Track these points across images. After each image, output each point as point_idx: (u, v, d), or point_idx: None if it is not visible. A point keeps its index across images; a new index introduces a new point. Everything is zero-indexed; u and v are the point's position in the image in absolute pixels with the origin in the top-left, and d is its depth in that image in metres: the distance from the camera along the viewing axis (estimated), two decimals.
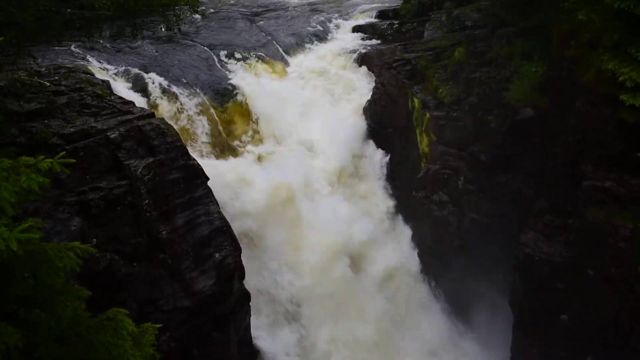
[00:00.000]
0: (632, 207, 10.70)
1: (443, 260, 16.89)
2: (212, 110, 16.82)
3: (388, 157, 18.80)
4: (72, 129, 10.73)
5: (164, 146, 11.31)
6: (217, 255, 11.28)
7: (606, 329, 11.40)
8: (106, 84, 13.83)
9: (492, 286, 15.38)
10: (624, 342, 11.14)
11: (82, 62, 14.96)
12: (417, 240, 17.90)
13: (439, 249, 17.02)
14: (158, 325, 5.40)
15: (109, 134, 10.87)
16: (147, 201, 10.55)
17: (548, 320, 12.64)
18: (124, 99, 12.78)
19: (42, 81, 12.04)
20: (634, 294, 10.74)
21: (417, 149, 17.90)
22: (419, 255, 17.80)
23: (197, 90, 16.89)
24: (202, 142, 15.71)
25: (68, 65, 13.73)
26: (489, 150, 14.82)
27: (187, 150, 11.91)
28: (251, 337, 12.99)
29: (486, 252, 15.12)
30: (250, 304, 12.73)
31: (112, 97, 12.51)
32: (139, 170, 10.65)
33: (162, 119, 12.23)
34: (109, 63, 15.83)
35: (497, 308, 15.35)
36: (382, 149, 18.97)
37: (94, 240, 9.67)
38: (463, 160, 15.87)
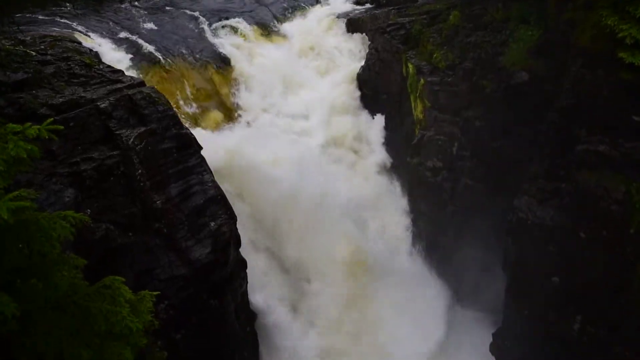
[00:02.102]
0: (625, 170, 10.76)
1: (437, 225, 17.05)
2: (200, 75, 16.56)
3: (382, 124, 18.72)
4: (61, 99, 10.51)
5: (156, 115, 11.14)
6: (212, 224, 11.29)
7: (596, 290, 11.64)
8: (94, 53, 13.52)
9: (485, 251, 15.60)
10: (613, 302, 11.40)
11: (68, 31, 14.57)
12: (411, 205, 18.02)
13: (432, 215, 17.15)
14: (155, 293, 5.44)
15: (98, 103, 10.67)
16: (140, 171, 10.47)
17: (539, 283, 12.88)
18: (113, 67, 12.51)
19: (27, 50, 11.72)
20: (624, 255, 10.93)
21: (411, 116, 17.80)
22: (413, 220, 17.97)
23: (187, 56, 16.58)
24: (188, 108, 15.53)
25: (54, 34, 13.36)
26: (484, 116, 14.76)
27: (179, 119, 11.76)
28: (248, 303, 13.18)
29: (480, 217, 15.26)
30: None
31: (101, 66, 12.23)
32: (131, 140, 10.51)
33: (153, 88, 12.00)
34: (94, 31, 15.42)
35: (490, 272, 15.62)
36: (376, 115, 18.86)
37: (88, 211, 9.61)
38: (457, 126, 15.82)
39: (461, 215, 16.01)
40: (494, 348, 14.96)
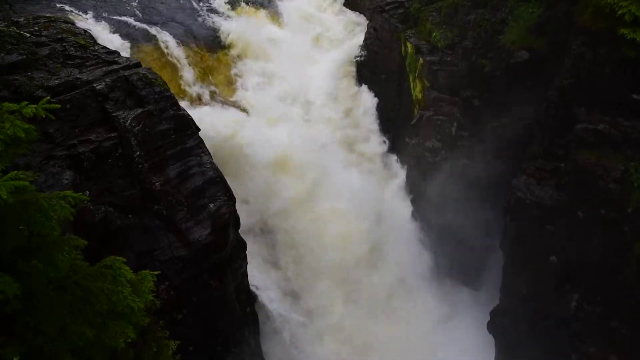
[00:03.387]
0: (624, 148, 10.76)
1: (435, 205, 17.10)
2: (197, 55, 16.38)
3: (381, 105, 18.62)
4: (56, 81, 10.41)
5: (153, 96, 11.06)
6: (211, 205, 11.30)
7: (593, 269, 11.75)
8: (89, 34, 13.33)
9: (482, 230, 15.69)
10: (609, 280, 11.51)
11: (61, 12, 14.33)
12: (410, 185, 18.05)
13: (431, 194, 17.19)
14: (156, 272, 5.46)
15: (95, 85, 10.58)
16: (138, 153, 10.43)
17: (537, 262, 12.98)
18: (108, 48, 12.35)
19: (21, 32, 11.56)
20: (622, 234, 11.00)
21: (410, 96, 17.71)
22: (412, 200, 18.01)
23: (183, 35, 16.38)
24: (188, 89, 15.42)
25: (47, 15, 13.15)
26: (483, 95, 14.68)
27: (176, 100, 11.67)
28: (248, 284, 13.28)
29: (478, 197, 15.29)
30: None
31: (96, 47, 12.07)
32: (128, 121, 10.45)
33: (149, 69, 11.88)
34: (87, 11, 15.17)
35: (488, 251, 15.72)
36: (375, 96, 18.74)
37: (87, 192, 9.61)
38: (456, 105, 15.75)
39: (460, 195, 16.03)
40: (491, 326, 15.15)
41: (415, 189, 17.90)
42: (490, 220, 14.98)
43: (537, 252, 12.89)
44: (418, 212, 17.84)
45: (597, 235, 11.40)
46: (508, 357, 14.48)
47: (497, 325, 14.84)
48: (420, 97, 17.12)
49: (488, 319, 15.25)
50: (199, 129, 11.88)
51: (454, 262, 17.22)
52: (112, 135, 10.31)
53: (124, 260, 4.97)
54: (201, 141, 11.82)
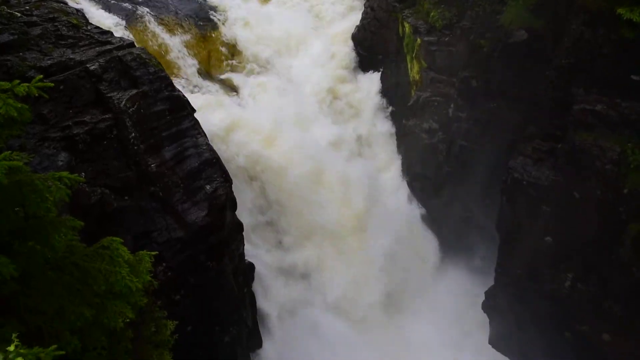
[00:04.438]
0: (621, 129, 10.76)
1: (432, 186, 17.14)
2: (193, 37, 16.19)
3: (378, 85, 18.49)
4: (49, 62, 10.26)
5: (147, 77, 10.93)
6: (207, 187, 11.27)
7: (588, 249, 11.85)
8: (81, 13, 13.10)
9: (479, 211, 15.76)
10: (603, 260, 11.62)
11: None
12: (407, 167, 18.05)
13: (428, 176, 17.21)
14: (154, 253, 5.46)
15: (88, 65, 10.44)
16: (133, 134, 10.36)
17: (532, 242, 13.07)
18: (101, 28, 12.17)
19: (12, 11, 11.34)
20: (617, 214, 11.06)
21: (407, 77, 17.57)
22: (409, 182, 18.04)
23: (178, 16, 16.16)
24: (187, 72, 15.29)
25: None
26: (481, 76, 14.56)
27: (171, 80, 11.54)
28: (245, 265, 13.34)
29: (475, 178, 15.33)
30: None
31: (89, 27, 11.88)
32: (123, 102, 10.35)
33: (143, 49, 11.72)
34: None
35: (483, 232, 15.82)
36: (372, 77, 18.59)
37: (83, 174, 9.55)
38: (454, 87, 15.65)
39: (456, 176, 16.06)
40: (486, 306, 15.32)
41: (411, 171, 17.91)
42: (487, 201, 15.03)
43: (532, 233, 12.97)
44: (414, 193, 17.88)
45: (592, 216, 11.46)
46: (502, 336, 14.69)
47: (492, 305, 15.01)
48: (417, 78, 17.01)
49: (483, 298, 15.42)
50: (194, 110, 11.79)
51: (450, 242, 17.33)
52: (107, 116, 10.21)
53: (121, 240, 4.97)
54: (197, 122, 11.73)
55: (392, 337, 15.59)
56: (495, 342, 14.97)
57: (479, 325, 15.69)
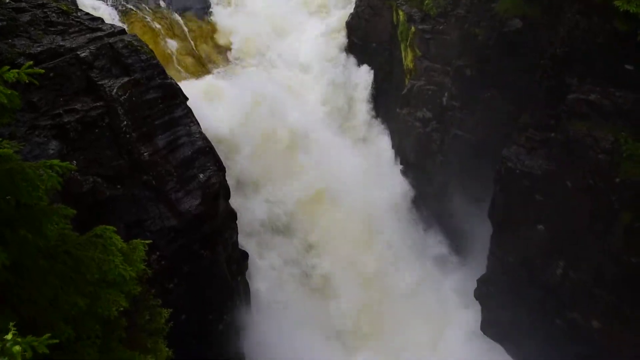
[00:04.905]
0: (614, 119, 10.78)
1: (425, 175, 17.17)
2: (184, 26, 16.02)
3: (372, 74, 18.41)
4: (39, 49, 10.08)
5: (139, 64, 10.79)
6: (201, 175, 11.22)
7: (580, 237, 11.93)
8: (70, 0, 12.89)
9: (471, 199, 15.81)
10: (595, 248, 11.72)
11: None
12: (401, 156, 18.05)
13: (421, 165, 17.23)
14: (147, 242, 5.42)
15: (79, 52, 10.28)
16: (125, 123, 10.25)
17: (525, 231, 13.15)
18: (92, 15, 11.96)
19: None
20: (609, 203, 11.13)
21: (401, 65, 17.51)
22: (402, 171, 18.05)
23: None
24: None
25: None
26: (475, 65, 14.54)
27: (163, 68, 11.40)
28: (239, 253, 13.34)
29: (468, 167, 15.36)
30: None
31: (79, 13, 11.67)
32: (114, 90, 10.22)
33: (135, 36, 11.55)
34: None
35: (477, 220, 15.88)
36: (366, 65, 18.50)
37: (74, 163, 9.44)
38: (448, 75, 15.61)
39: (450, 165, 16.09)
40: (478, 294, 15.45)
41: (405, 160, 17.92)
42: (480, 190, 15.08)
43: (525, 221, 13.04)
44: (408, 182, 17.91)
45: (585, 204, 11.53)
46: (494, 323, 14.84)
47: (484, 292, 15.14)
48: (411, 66, 16.95)
49: (475, 286, 15.54)
50: (187, 98, 11.67)
51: (443, 230, 17.41)
52: (98, 104, 10.09)
53: (114, 229, 4.92)
54: (190, 110, 11.63)
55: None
56: (487, 328, 15.12)
57: (472, 311, 15.83)
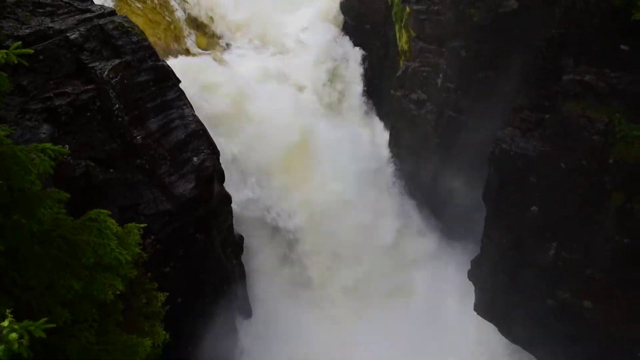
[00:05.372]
0: (609, 100, 10.78)
1: (420, 158, 17.17)
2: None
3: (366, 56, 18.26)
4: (27, 30, 9.89)
5: (130, 46, 10.63)
6: (195, 159, 11.16)
7: (572, 218, 12.03)
8: None
9: (466, 182, 15.85)
10: (587, 228, 11.84)
11: None
12: (395, 138, 18.02)
13: (416, 148, 17.22)
14: (142, 225, 5.40)
15: (68, 34, 10.10)
16: (117, 106, 10.14)
17: (518, 212, 13.23)
18: None
19: None
20: (602, 184, 11.20)
21: (396, 47, 17.36)
22: (396, 154, 18.04)
23: None
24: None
25: None
26: (470, 46, 14.43)
27: (155, 50, 11.24)
28: (234, 237, 13.36)
29: (462, 149, 15.36)
30: None
31: None
32: (105, 73, 10.08)
33: (125, 17, 11.34)
34: None
35: (471, 202, 15.95)
36: (360, 46, 18.34)
37: (66, 147, 9.34)
38: (443, 57, 15.50)
39: (444, 147, 16.08)
40: (471, 275, 15.61)
41: (399, 142, 17.89)
42: (474, 172, 15.11)
43: (519, 203, 13.11)
44: (402, 164, 17.91)
45: (578, 186, 11.59)
46: (487, 304, 15.02)
47: (478, 273, 15.29)
48: (406, 47, 16.80)
49: (469, 267, 15.69)
50: (179, 81, 11.54)
51: (438, 212, 17.49)
52: (89, 87, 9.97)
53: (109, 213, 4.89)
54: (182, 93, 11.51)
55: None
56: (480, 309, 15.31)
57: (465, 292, 16.01)
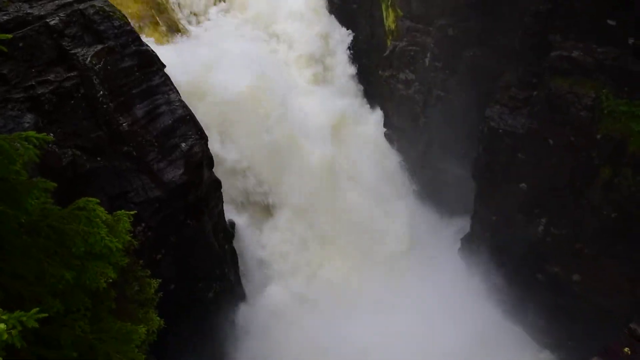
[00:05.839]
0: (596, 75, 10.83)
1: (409, 138, 17.18)
2: None
3: (352, 36, 18.07)
4: (5, 17, 9.58)
5: (112, 31, 10.39)
6: (183, 144, 11.02)
7: (561, 194, 12.17)
8: None
9: (455, 161, 15.92)
10: (575, 204, 11.99)
11: None
12: (384, 119, 17.98)
13: (404, 128, 17.21)
14: (132, 213, 5.34)
15: (48, 20, 9.82)
16: (101, 92, 9.94)
17: (508, 189, 13.36)
18: None
19: None
20: (590, 159, 11.32)
21: (382, 26, 17.20)
22: (386, 134, 18.03)
23: None
24: None
25: None
26: (458, 24, 14.35)
27: (138, 34, 11.01)
28: (225, 222, 13.31)
29: (451, 128, 15.38)
30: None
31: None
32: (88, 59, 9.85)
33: (106, 1, 11.04)
34: None
35: (460, 180, 16.05)
36: (346, 26, 18.13)
37: (51, 135, 9.20)
38: (430, 35, 15.40)
39: (433, 127, 16.10)
40: (462, 252, 15.79)
41: (388, 122, 17.87)
42: (463, 151, 15.18)
43: (508, 180, 13.23)
44: (392, 144, 17.92)
45: (566, 161, 11.71)
46: (477, 280, 15.23)
47: (468, 251, 15.48)
48: (393, 27, 16.66)
49: (459, 245, 15.85)
50: (164, 65, 11.34)
51: (428, 191, 17.57)
52: (72, 74, 9.75)
53: (98, 201, 4.82)
54: (167, 78, 11.32)
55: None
56: (471, 285, 15.51)
57: (456, 270, 16.17)
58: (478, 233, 15.06)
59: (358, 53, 18.05)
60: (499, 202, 13.83)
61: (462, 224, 16.56)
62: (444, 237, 17.28)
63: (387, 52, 16.83)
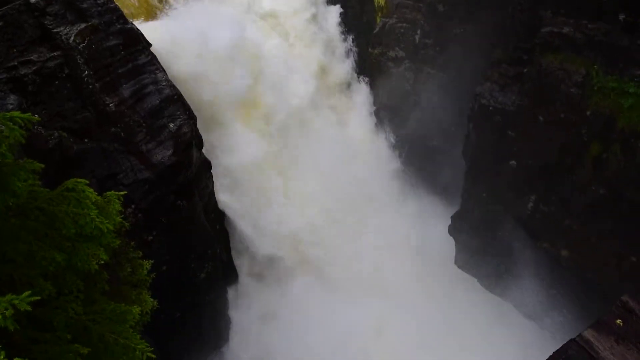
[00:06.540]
0: (586, 51, 10.80)
1: (399, 116, 17.13)
2: None
3: (342, 13, 17.81)
4: None
5: (96, 9, 10.12)
6: (171, 125, 10.87)
7: (550, 171, 12.26)
8: None
9: (444, 139, 15.94)
10: (564, 181, 12.09)
11: None
12: (373, 97, 17.88)
13: (394, 105, 17.14)
14: (122, 193, 5.27)
15: None
16: (86, 72, 9.72)
17: (497, 167, 13.42)
18: None
19: None
20: (579, 136, 11.37)
21: (372, 3, 16.97)
22: (375, 112, 17.96)
23: None
24: None
25: None
26: (448, 0, 14.18)
27: (123, 12, 10.73)
28: (216, 202, 13.25)
29: (441, 106, 15.36)
30: None
31: None
32: (72, 38, 9.60)
33: None
34: None
35: (450, 158, 16.10)
36: (336, 3, 17.86)
37: (36, 116, 9.00)
38: (420, 12, 15.24)
39: (423, 105, 16.05)
40: (452, 230, 15.91)
41: (378, 100, 17.78)
42: (453, 128, 15.18)
43: (498, 157, 13.27)
44: (382, 124, 17.86)
45: (556, 138, 11.75)
46: (467, 258, 15.41)
47: (458, 228, 15.59)
48: (382, 3, 16.45)
49: (449, 223, 15.97)
50: (150, 44, 11.10)
51: (418, 169, 17.62)
52: (56, 54, 9.50)
53: (87, 182, 4.74)
54: (154, 57, 11.10)
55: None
56: (461, 262, 15.71)
57: (446, 247, 16.35)
58: (468, 211, 15.15)
59: (347, 31, 17.83)
60: (489, 179, 13.90)
61: (453, 202, 16.64)
62: (435, 214, 17.41)
63: (377, 29, 16.65)
